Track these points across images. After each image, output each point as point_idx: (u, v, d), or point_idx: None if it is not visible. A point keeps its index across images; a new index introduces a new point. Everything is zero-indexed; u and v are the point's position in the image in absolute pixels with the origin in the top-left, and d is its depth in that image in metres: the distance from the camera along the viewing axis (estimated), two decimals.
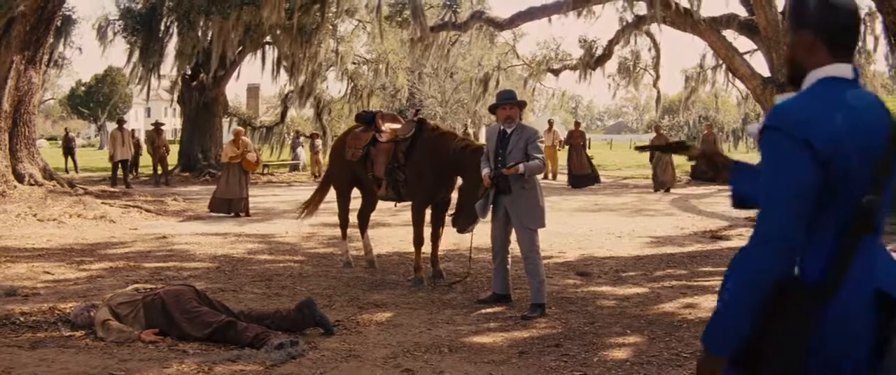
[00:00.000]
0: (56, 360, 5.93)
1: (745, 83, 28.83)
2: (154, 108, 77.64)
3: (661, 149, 3.30)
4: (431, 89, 54.28)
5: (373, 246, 10.57)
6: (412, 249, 9.40)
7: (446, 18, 32.23)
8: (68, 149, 34.24)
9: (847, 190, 2.38)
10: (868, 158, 2.38)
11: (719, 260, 10.68)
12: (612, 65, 36.56)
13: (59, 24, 23.17)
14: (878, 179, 2.41)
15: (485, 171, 7.90)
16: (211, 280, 9.28)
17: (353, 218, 10.58)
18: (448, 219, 9.46)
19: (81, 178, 26.91)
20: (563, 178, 27.14)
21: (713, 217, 15.22)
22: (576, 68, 35.14)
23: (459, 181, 9.00)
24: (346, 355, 6.18)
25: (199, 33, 27.36)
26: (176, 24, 28.05)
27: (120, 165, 24.57)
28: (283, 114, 35.57)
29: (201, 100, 30.21)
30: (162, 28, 28.58)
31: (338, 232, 10.88)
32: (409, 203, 9.48)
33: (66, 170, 31.60)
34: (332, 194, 10.90)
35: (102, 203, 16.87)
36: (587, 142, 25.77)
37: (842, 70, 2.49)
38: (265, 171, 30.15)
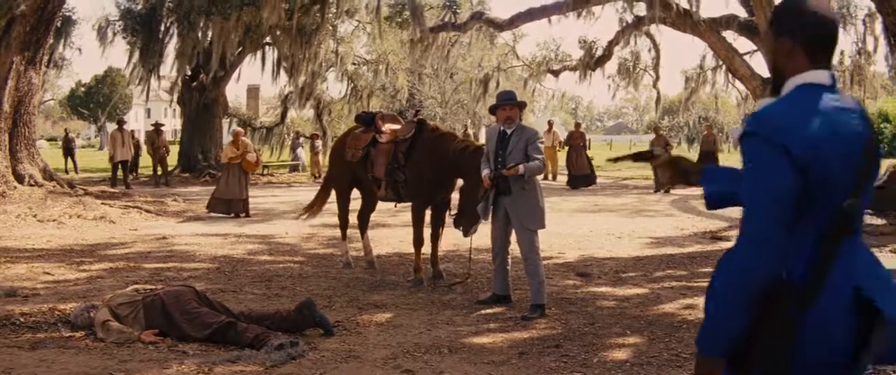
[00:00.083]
0: (56, 361, 5.93)
1: (745, 84, 28.86)
2: (154, 109, 77.71)
3: (630, 159, 3.34)
4: (431, 90, 54.28)
5: (372, 247, 10.57)
6: (412, 250, 9.40)
7: (446, 19, 32.23)
8: (68, 150, 34.23)
9: (826, 194, 2.43)
10: (846, 163, 2.44)
11: None
12: (611, 65, 36.59)
13: (58, 24, 23.17)
14: (858, 183, 2.47)
15: (485, 172, 7.90)
16: (211, 280, 9.28)
17: (352, 218, 10.58)
18: (448, 220, 9.48)
19: (81, 179, 26.91)
20: (562, 179, 27.14)
21: (713, 218, 15.21)
22: (576, 69, 35.15)
23: (460, 182, 8.99)
24: (345, 356, 6.18)
25: (199, 34, 27.37)
26: (176, 24, 28.07)
27: (120, 166, 24.55)
28: (283, 115, 35.57)
29: (201, 101, 30.22)
30: (162, 29, 28.61)
31: (338, 232, 10.88)
32: (409, 204, 9.48)
33: (66, 171, 31.60)
34: (332, 194, 10.90)
35: (102, 203, 16.87)
36: (587, 142, 25.73)
37: (820, 76, 2.55)
38: (265, 172, 30.15)
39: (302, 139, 35.45)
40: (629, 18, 31.28)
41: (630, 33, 32.17)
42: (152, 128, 26.59)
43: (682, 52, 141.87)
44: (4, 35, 17.75)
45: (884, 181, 16.08)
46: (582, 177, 24.81)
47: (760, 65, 28.49)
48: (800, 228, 2.43)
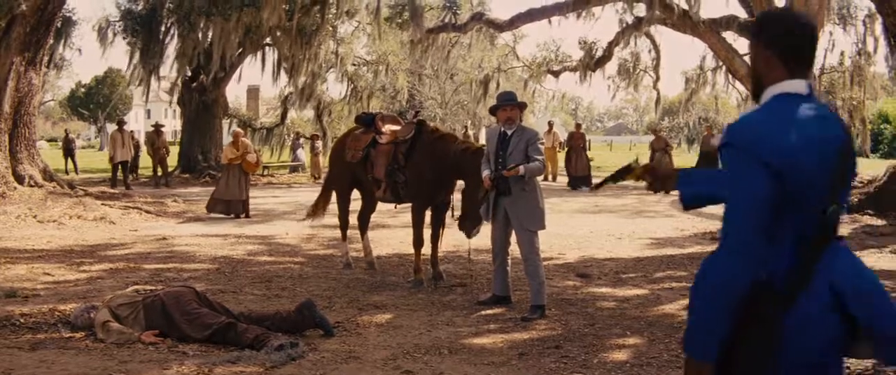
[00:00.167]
0: (56, 361, 5.94)
1: (745, 85, 28.84)
2: (154, 110, 77.77)
3: (610, 180, 3.56)
4: (431, 91, 54.29)
5: (373, 248, 10.58)
6: (412, 251, 9.40)
7: (446, 20, 32.23)
8: (68, 151, 34.24)
9: (804, 200, 2.52)
10: (822, 169, 2.52)
11: None
12: (611, 66, 36.58)
13: (59, 25, 23.15)
14: (835, 189, 2.55)
15: (485, 173, 7.90)
16: (211, 281, 9.28)
17: (353, 219, 10.58)
18: (448, 221, 9.48)
19: (81, 180, 26.90)
20: (563, 180, 27.14)
21: (713, 218, 15.20)
22: (576, 70, 35.16)
23: (461, 184, 8.98)
24: (345, 356, 6.18)
25: (200, 35, 27.36)
26: (176, 25, 28.06)
27: (120, 167, 24.55)
28: (283, 116, 35.56)
29: (201, 102, 30.22)
30: (162, 29, 28.60)
31: (338, 233, 10.88)
32: (409, 205, 9.48)
33: (66, 172, 31.60)
34: (333, 195, 10.90)
35: (102, 204, 16.87)
36: (587, 143, 25.73)
37: (797, 86, 2.64)
38: (265, 173, 30.15)
39: (302, 140, 35.43)
40: (629, 19, 31.28)
41: (630, 34, 32.17)
42: (152, 128, 26.59)
43: (682, 52, 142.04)
44: (5, 35, 17.76)
45: (884, 181, 16.08)
46: (581, 178, 24.81)
47: None
48: (779, 233, 2.52)
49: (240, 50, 29.46)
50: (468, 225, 8.49)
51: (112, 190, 22.10)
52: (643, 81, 41.28)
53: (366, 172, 9.74)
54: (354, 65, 36.84)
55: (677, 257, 11.34)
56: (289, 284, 9.20)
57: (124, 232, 13.87)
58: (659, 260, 11.17)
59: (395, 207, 10.53)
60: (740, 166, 2.53)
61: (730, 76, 31.35)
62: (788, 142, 2.49)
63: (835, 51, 54.90)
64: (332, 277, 9.72)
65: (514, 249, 8.07)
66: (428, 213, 9.38)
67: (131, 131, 28.16)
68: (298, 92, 32.10)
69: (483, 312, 7.88)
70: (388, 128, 9.75)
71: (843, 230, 12.79)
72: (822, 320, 2.52)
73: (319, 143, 31.08)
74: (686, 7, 26.50)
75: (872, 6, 24.82)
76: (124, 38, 28.87)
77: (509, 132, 7.92)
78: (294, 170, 33.23)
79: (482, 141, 12.22)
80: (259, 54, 31.07)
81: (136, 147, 28.05)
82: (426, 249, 9.35)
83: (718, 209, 2.70)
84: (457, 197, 9.03)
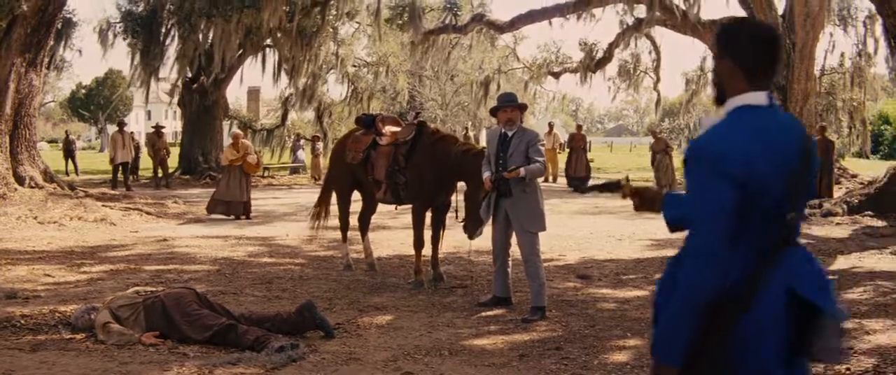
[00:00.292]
0: (57, 363, 5.94)
1: None
2: (154, 111, 77.75)
3: (597, 189, 3.60)
4: (432, 92, 54.31)
5: (373, 249, 10.57)
6: (412, 252, 9.40)
7: (447, 21, 32.24)
8: (69, 152, 34.25)
9: (763, 206, 2.63)
10: (782, 177, 2.65)
11: None
12: (612, 68, 36.63)
13: (59, 26, 23.17)
14: (793, 195, 2.67)
15: (486, 175, 7.89)
16: (211, 282, 9.28)
17: (353, 220, 10.57)
18: (448, 222, 9.48)
19: (82, 181, 26.92)
20: (563, 181, 27.14)
21: None
22: (576, 71, 35.19)
23: (462, 185, 8.97)
24: (346, 358, 6.18)
25: (200, 36, 27.37)
26: (177, 26, 28.08)
27: (120, 168, 24.55)
28: (284, 117, 35.56)
29: (202, 103, 30.22)
30: (163, 31, 28.61)
31: (338, 234, 10.87)
32: (410, 206, 9.48)
33: (67, 173, 31.62)
34: (333, 196, 10.88)
35: (103, 205, 16.87)
36: (588, 144, 25.72)
37: (757, 98, 2.75)
38: (266, 174, 30.14)
39: (302, 141, 35.44)
40: (629, 20, 31.31)
41: (630, 35, 32.20)
42: (153, 130, 26.60)
43: (682, 53, 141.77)
44: (5, 37, 17.77)
45: (884, 183, 16.08)
46: (581, 179, 24.81)
47: None
48: (739, 237, 2.62)
49: (240, 51, 29.47)
50: (470, 227, 8.48)
51: (112, 192, 22.11)
52: (643, 83, 41.38)
53: (366, 174, 9.73)
54: (355, 66, 36.85)
55: None
56: (289, 285, 9.20)
57: (125, 234, 13.88)
58: (659, 261, 11.15)
59: (396, 208, 10.52)
60: (706, 178, 2.64)
61: None
62: (750, 155, 2.60)
63: (835, 52, 54.98)
64: (333, 278, 9.71)
65: (515, 250, 8.07)
66: (428, 215, 9.38)
67: (132, 132, 28.16)
68: (299, 93, 32.12)
69: (483, 313, 7.88)
70: (388, 129, 9.74)
71: (844, 231, 12.82)
72: (778, 323, 2.61)
73: (320, 145, 31.07)
74: (686, 8, 26.52)
75: (873, 7, 24.82)
76: (125, 40, 28.89)
77: (510, 133, 7.92)
78: (295, 171, 33.23)
79: (483, 142, 12.22)
80: (259, 55, 31.08)
81: (137, 148, 28.07)
82: (427, 250, 9.35)
83: None
84: (459, 199, 9.03)
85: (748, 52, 2.77)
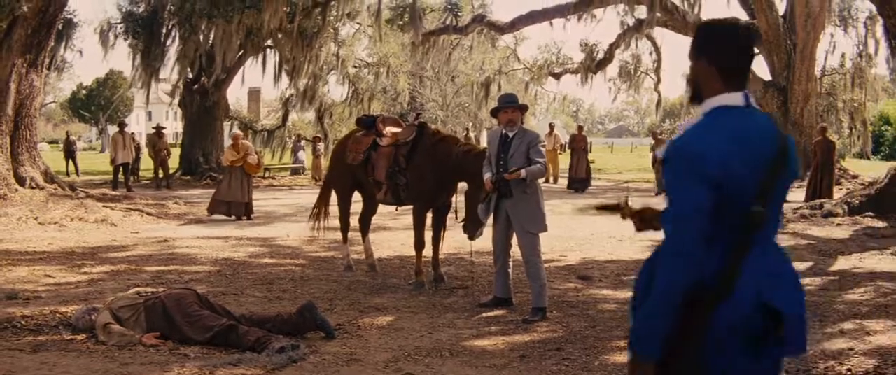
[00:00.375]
0: (57, 364, 5.94)
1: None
2: (155, 112, 77.72)
3: (596, 209, 3.72)
4: (433, 93, 54.32)
5: (374, 250, 10.57)
6: (413, 253, 9.40)
7: (447, 22, 32.25)
8: (69, 153, 34.27)
9: (739, 205, 2.70)
10: (756, 176, 2.72)
11: None
12: (613, 68, 36.67)
13: (60, 27, 23.18)
14: (765, 192, 2.73)
15: (487, 175, 7.89)
16: (212, 283, 9.28)
17: (354, 221, 10.57)
18: (449, 223, 9.48)
19: (82, 182, 26.92)
20: (563, 182, 27.13)
21: None
22: (577, 72, 35.23)
23: (464, 186, 8.96)
24: (347, 358, 6.18)
25: (201, 37, 27.39)
26: (177, 27, 28.10)
27: (121, 169, 24.57)
28: (285, 118, 35.58)
29: (202, 104, 30.24)
30: (163, 31, 28.64)
31: (339, 235, 10.86)
32: (410, 207, 9.48)
33: (68, 174, 31.63)
34: (332, 197, 10.88)
35: (104, 206, 16.88)
36: (589, 145, 25.71)
37: (734, 98, 2.83)
38: (266, 175, 30.16)
39: (303, 142, 35.45)
40: (630, 21, 31.34)
41: (631, 36, 32.23)
42: (153, 130, 26.63)
43: (683, 54, 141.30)
44: (6, 38, 17.78)
45: (885, 184, 16.08)
46: (581, 180, 24.79)
47: (762, 68, 28.47)
48: (714, 234, 2.69)
49: (241, 52, 29.50)
50: (470, 227, 8.48)
51: (113, 192, 22.13)
52: (644, 83, 41.41)
53: (367, 174, 9.72)
54: (355, 67, 36.87)
55: None
56: (290, 286, 9.20)
57: (125, 234, 13.88)
58: None
59: (396, 209, 10.51)
60: (683, 179, 2.70)
61: None
62: (727, 156, 2.67)
63: (836, 52, 55.02)
64: (334, 279, 9.71)
65: (516, 251, 8.06)
66: (429, 216, 9.38)
67: (132, 133, 28.19)
68: (299, 94, 32.15)
69: (484, 314, 7.87)
70: (389, 130, 9.73)
71: (845, 232, 12.80)
72: (749, 318, 2.69)
73: (321, 145, 31.09)
74: (687, 9, 26.54)
75: (873, 8, 24.82)
76: (125, 40, 28.94)
77: (511, 134, 7.91)
78: (295, 172, 33.25)
79: (484, 143, 12.22)
80: (260, 56, 31.11)
81: (138, 149, 28.08)
82: (427, 251, 9.34)
83: None
84: (459, 200, 9.02)
85: (724, 53, 2.84)
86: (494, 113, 8.19)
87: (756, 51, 29.29)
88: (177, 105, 32.15)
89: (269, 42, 29.91)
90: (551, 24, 30.93)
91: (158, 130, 26.22)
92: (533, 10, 30.66)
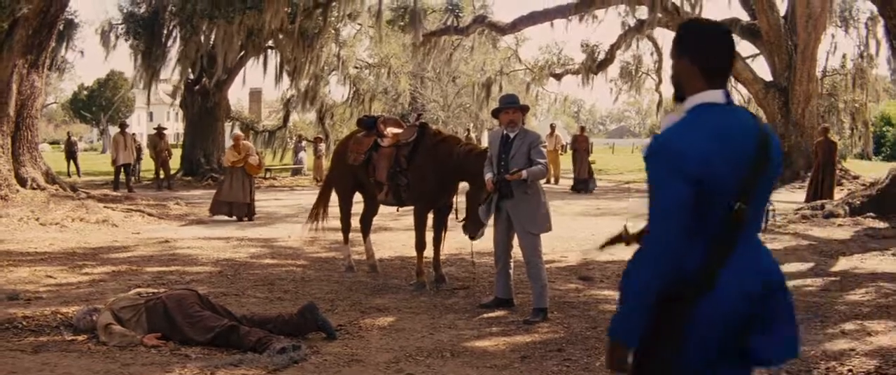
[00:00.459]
0: (58, 364, 5.94)
1: (748, 87, 28.87)
2: (156, 113, 77.73)
3: (602, 245, 3.74)
4: (434, 93, 54.34)
5: (375, 251, 10.57)
6: (414, 253, 9.40)
7: (449, 23, 32.25)
8: (71, 153, 34.28)
9: (720, 202, 2.76)
10: (736, 172, 2.77)
11: None
12: (614, 69, 36.67)
13: (61, 28, 23.18)
14: (746, 189, 2.78)
15: (488, 176, 7.89)
16: (213, 284, 9.28)
17: (354, 222, 10.56)
18: (450, 224, 9.47)
19: (84, 182, 26.93)
20: (564, 182, 27.12)
21: None
22: (578, 73, 35.24)
23: (465, 186, 8.96)
24: (348, 359, 6.18)
25: (202, 37, 27.39)
26: (179, 28, 28.10)
27: (122, 169, 24.59)
28: (286, 119, 35.59)
29: (204, 105, 30.25)
30: (165, 32, 28.64)
31: (340, 236, 10.86)
32: (411, 207, 9.47)
33: (69, 175, 31.64)
34: (333, 198, 10.87)
35: (105, 207, 16.88)
36: (590, 146, 25.67)
37: (715, 96, 2.89)
38: (268, 176, 30.16)
39: (304, 143, 35.45)
40: (631, 22, 31.34)
41: (632, 37, 32.23)
42: (155, 131, 26.64)
43: None
44: (7, 38, 17.78)
45: (886, 184, 16.07)
46: (583, 182, 24.77)
47: (763, 69, 28.48)
48: (697, 230, 2.77)
49: (242, 53, 29.51)
50: (471, 227, 8.47)
51: (114, 193, 22.13)
52: (645, 84, 41.40)
53: (368, 175, 9.72)
54: (356, 67, 36.88)
55: None
56: (291, 287, 9.20)
57: (126, 235, 13.88)
58: None
59: (397, 210, 10.51)
60: (665, 175, 2.76)
61: (732, 78, 31.35)
62: (708, 154, 2.73)
63: (837, 53, 55.14)
64: (335, 280, 9.71)
65: (517, 252, 8.06)
66: (430, 216, 9.37)
67: (133, 134, 28.17)
68: (300, 94, 32.17)
69: (485, 315, 7.87)
70: (390, 130, 9.73)
71: (846, 232, 12.79)
72: (730, 314, 2.76)
73: (322, 146, 31.10)
74: (688, 10, 26.52)
75: (874, 8, 24.83)
76: (127, 41, 28.93)
77: (512, 135, 7.91)
78: (296, 172, 33.25)
79: (485, 144, 12.19)
80: (261, 57, 31.10)
81: (139, 150, 28.09)
82: (428, 252, 9.34)
83: None
84: (460, 200, 9.02)
85: (705, 52, 2.90)
86: (495, 113, 8.18)
87: (754, 51, 29.31)
88: (178, 106, 32.17)
89: (270, 43, 29.90)
90: (552, 24, 30.95)
91: (159, 131, 26.23)
92: (534, 10, 30.68)
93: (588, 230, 14.70)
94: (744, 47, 30.47)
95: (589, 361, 6.21)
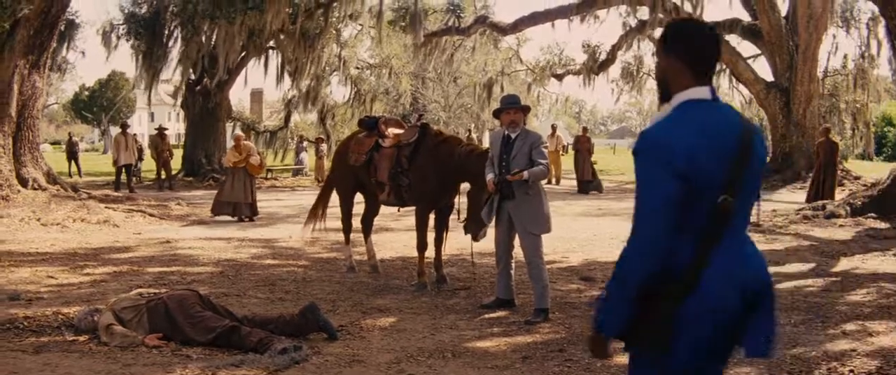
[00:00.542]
0: (60, 364, 5.94)
1: (749, 88, 28.88)
2: (158, 113, 77.74)
3: None
4: (435, 94, 54.37)
5: (376, 251, 10.57)
6: (415, 254, 9.40)
7: (450, 23, 32.25)
8: (72, 154, 34.27)
9: (707, 196, 2.80)
10: (722, 167, 2.82)
11: None
12: (615, 70, 36.64)
13: (62, 28, 23.19)
14: (732, 183, 2.82)
15: (489, 176, 7.89)
16: (214, 284, 9.28)
17: (356, 222, 10.56)
18: (451, 224, 9.47)
19: (85, 183, 26.93)
20: (565, 183, 27.11)
21: None
22: (579, 73, 35.22)
23: (466, 186, 8.96)
24: (349, 360, 6.18)
25: (203, 38, 27.40)
26: (180, 28, 28.11)
27: (123, 170, 24.60)
28: (287, 119, 35.59)
29: (205, 105, 30.24)
30: (166, 33, 28.65)
31: (341, 236, 10.86)
32: (413, 208, 9.47)
33: (70, 175, 31.63)
34: (334, 199, 10.87)
35: (106, 207, 16.89)
36: (592, 147, 25.65)
37: (702, 92, 2.94)
38: (269, 176, 30.16)
39: (305, 143, 35.45)
40: (632, 22, 31.32)
41: (633, 37, 32.22)
42: (156, 131, 26.64)
43: None
44: (8, 39, 17.79)
45: (887, 185, 16.06)
46: (587, 183, 24.73)
47: (764, 69, 28.47)
48: (684, 226, 2.80)
49: (243, 53, 29.51)
50: (473, 227, 8.47)
51: (116, 194, 22.13)
52: (647, 84, 41.32)
53: (369, 176, 9.72)
54: (358, 68, 36.88)
55: None
56: (292, 287, 9.20)
57: (128, 236, 13.88)
58: None
59: (399, 210, 10.51)
60: (653, 169, 2.80)
61: (733, 79, 31.37)
62: (694, 147, 2.78)
63: (838, 54, 55.05)
64: (336, 280, 9.71)
65: (518, 252, 8.06)
66: (431, 216, 9.37)
67: (135, 134, 28.20)
68: (302, 95, 32.18)
69: (486, 316, 7.87)
70: (391, 131, 9.73)
71: (847, 233, 12.78)
72: (719, 307, 2.80)
73: (323, 147, 31.09)
74: (689, 10, 26.52)
75: (876, 9, 24.81)
76: (128, 42, 28.94)
77: (513, 135, 7.91)
78: (297, 173, 33.25)
79: (486, 144, 12.19)
80: (263, 57, 31.08)
81: (140, 150, 28.09)
82: (430, 252, 9.34)
83: None
84: (461, 200, 9.02)
85: (694, 51, 2.96)
86: (497, 114, 8.18)
87: (755, 52, 29.29)
88: (179, 106, 32.16)
89: (271, 43, 29.90)
90: (553, 25, 30.94)
91: (161, 131, 26.22)
92: (535, 11, 30.74)
93: (590, 230, 14.70)
94: (745, 48, 30.49)
95: (590, 361, 6.20)
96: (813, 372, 5.87)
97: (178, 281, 9.35)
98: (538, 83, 38.92)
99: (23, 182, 18.00)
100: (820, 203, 17.08)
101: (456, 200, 9.36)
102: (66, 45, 28.01)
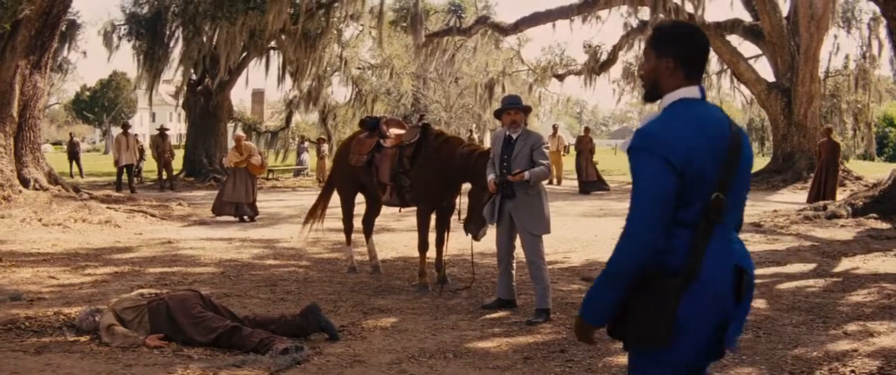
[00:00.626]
0: (61, 365, 5.94)
1: (750, 88, 28.88)
2: (159, 113, 77.79)
3: None
4: (436, 94, 54.35)
5: (377, 252, 10.57)
6: (416, 254, 9.39)
7: (451, 23, 32.26)
8: (73, 154, 34.29)
9: (701, 192, 2.87)
10: (715, 164, 2.88)
11: None
12: (616, 70, 36.63)
13: (63, 28, 23.19)
14: (724, 180, 2.89)
15: (490, 177, 7.88)
16: (216, 285, 9.28)
17: (357, 223, 10.56)
18: (453, 224, 9.46)
19: (86, 183, 26.94)
20: (567, 183, 27.10)
21: None
22: (580, 73, 35.21)
23: (467, 186, 8.95)
24: (350, 360, 6.18)
25: (205, 38, 27.40)
26: (181, 29, 28.12)
27: (125, 170, 24.60)
28: (288, 119, 35.60)
29: (206, 105, 30.26)
30: (167, 33, 28.67)
31: (342, 237, 10.86)
32: (414, 208, 9.47)
33: (71, 175, 31.65)
34: (335, 199, 10.87)
35: (107, 208, 16.89)
36: (593, 147, 25.64)
37: (693, 92, 3.03)
38: (270, 176, 30.15)
39: (307, 143, 35.45)
40: (634, 23, 31.32)
41: (635, 38, 32.20)
42: (157, 132, 26.64)
43: None
44: (9, 39, 17.80)
45: (889, 185, 16.06)
46: (591, 183, 24.71)
47: (765, 69, 28.47)
48: (680, 221, 2.88)
49: (244, 53, 29.52)
50: (473, 227, 8.47)
51: (117, 194, 22.13)
52: None
53: (370, 176, 9.72)
54: (359, 68, 36.90)
55: None
56: (294, 288, 9.20)
57: (129, 236, 13.89)
58: None
59: (400, 211, 10.50)
60: (648, 166, 2.87)
61: (735, 79, 31.35)
62: (688, 145, 2.84)
63: (839, 54, 55.08)
64: (337, 281, 9.71)
65: (519, 253, 8.06)
66: (433, 217, 9.37)
67: (136, 134, 28.20)
68: (303, 95, 32.17)
69: (488, 316, 7.87)
70: (392, 131, 9.73)
71: (848, 233, 12.78)
72: (720, 290, 2.89)
73: (325, 147, 31.09)
74: (691, 11, 26.53)
75: (877, 9, 24.81)
76: (129, 42, 28.97)
77: (514, 136, 7.91)
78: (299, 173, 33.25)
79: (487, 145, 12.20)
80: (264, 58, 31.09)
81: (141, 150, 28.10)
82: (431, 253, 9.34)
83: None
84: (463, 200, 9.02)
85: (686, 52, 3.03)
86: (498, 114, 8.18)
87: (756, 52, 29.28)
88: (180, 106, 32.17)
89: (272, 43, 29.91)
90: (554, 25, 30.95)
91: (162, 132, 26.23)
92: (536, 11, 30.68)
93: (591, 231, 14.70)
94: (746, 48, 30.49)
95: (592, 362, 6.20)
96: (814, 373, 5.87)
97: (179, 282, 9.35)
98: (539, 83, 38.92)
99: (24, 182, 18.01)
100: (821, 203, 17.07)
101: (457, 200, 9.36)
102: (67, 45, 28.02)
